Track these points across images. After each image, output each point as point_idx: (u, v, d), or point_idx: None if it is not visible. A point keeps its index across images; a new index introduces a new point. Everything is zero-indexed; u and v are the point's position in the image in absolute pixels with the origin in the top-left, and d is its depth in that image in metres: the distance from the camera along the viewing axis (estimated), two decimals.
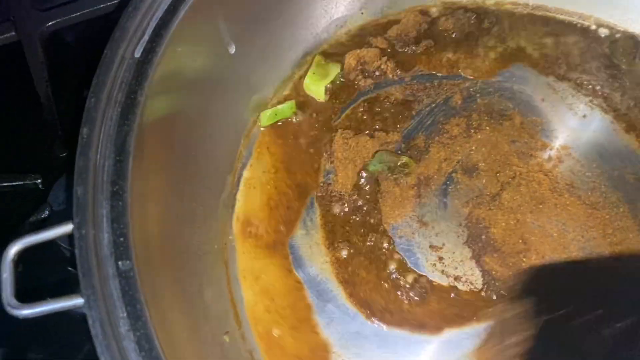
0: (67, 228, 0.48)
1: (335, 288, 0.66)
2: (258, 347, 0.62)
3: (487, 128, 0.73)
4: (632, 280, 0.65)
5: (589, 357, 0.60)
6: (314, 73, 0.76)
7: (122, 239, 0.47)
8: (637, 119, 0.73)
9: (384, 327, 0.63)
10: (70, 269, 0.63)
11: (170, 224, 0.57)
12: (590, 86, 0.75)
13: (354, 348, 0.63)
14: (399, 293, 0.65)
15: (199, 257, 0.62)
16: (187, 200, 0.62)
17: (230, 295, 0.64)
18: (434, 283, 0.65)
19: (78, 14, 0.79)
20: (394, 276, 0.65)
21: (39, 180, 0.72)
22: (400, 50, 0.79)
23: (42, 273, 0.64)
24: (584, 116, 0.74)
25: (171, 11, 0.58)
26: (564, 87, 0.75)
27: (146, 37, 0.56)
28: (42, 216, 0.69)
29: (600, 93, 0.75)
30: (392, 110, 0.75)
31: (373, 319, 0.64)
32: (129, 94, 0.54)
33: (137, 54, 0.56)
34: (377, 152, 0.71)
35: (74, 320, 0.58)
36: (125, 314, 0.45)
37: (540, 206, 0.68)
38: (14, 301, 0.46)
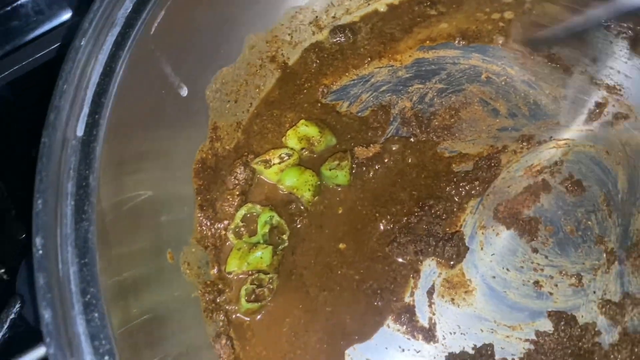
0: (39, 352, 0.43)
1: None
2: None
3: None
4: None
5: None
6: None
7: (107, 357, 0.42)
8: None
9: None
10: None
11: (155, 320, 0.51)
12: None
13: None
14: None
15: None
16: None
17: None
18: None
19: (14, 68, 0.68)
20: None
21: (3, 270, 0.65)
22: None
23: None
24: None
25: (107, 73, 0.51)
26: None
27: (86, 110, 0.49)
28: (14, 310, 0.63)
29: None
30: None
31: None
32: (80, 182, 0.47)
33: (80, 132, 0.49)
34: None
35: None
36: None
37: None
38: None
